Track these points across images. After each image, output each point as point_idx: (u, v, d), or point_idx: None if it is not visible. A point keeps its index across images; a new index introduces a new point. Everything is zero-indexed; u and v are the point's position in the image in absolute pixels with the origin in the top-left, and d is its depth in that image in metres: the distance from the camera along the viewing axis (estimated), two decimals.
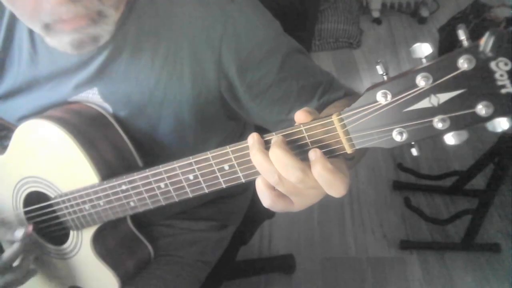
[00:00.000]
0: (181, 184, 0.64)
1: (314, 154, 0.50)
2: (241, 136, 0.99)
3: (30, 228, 0.83)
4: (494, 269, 1.74)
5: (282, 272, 1.77)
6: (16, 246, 0.79)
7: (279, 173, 0.50)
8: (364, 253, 1.83)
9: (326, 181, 0.49)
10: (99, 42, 0.71)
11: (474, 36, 0.41)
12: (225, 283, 1.21)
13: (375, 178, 2.12)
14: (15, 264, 0.80)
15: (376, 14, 3.14)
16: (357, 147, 0.50)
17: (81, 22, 0.66)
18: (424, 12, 3.08)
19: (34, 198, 0.84)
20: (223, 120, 0.86)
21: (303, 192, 0.53)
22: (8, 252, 0.78)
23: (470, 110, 0.42)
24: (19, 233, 0.79)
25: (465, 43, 0.42)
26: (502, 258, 1.76)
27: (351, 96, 0.81)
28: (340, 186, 0.49)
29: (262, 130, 0.56)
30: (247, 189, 1.16)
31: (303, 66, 0.80)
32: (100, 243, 0.84)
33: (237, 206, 1.14)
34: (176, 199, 0.67)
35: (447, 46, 2.51)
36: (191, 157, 0.61)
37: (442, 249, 1.81)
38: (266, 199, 0.54)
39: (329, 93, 0.80)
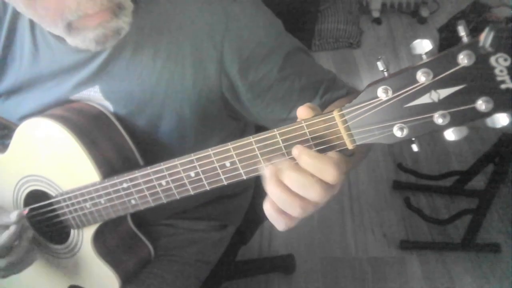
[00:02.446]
0: (183, 181, 0.64)
1: (296, 149, 0.51)
2: (242, 135, 0.99)
3: (25, 211, 0.83)
4: (494, 269, 1.73)
5: (282, 272, 1.77)
6: (12, 228, 0.78)
7: (301, 205, 0.51)
8: (364, 253, 1.83)
9: (316, 167, 0.50)
10: (120, 35, 0.71)
11: (474, 36, 0.42)
12: (225, 283, 1.21)
13: (375, 178, 2.12)
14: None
15: (376, 14, 3.15)
16: (358, 143, 0.51)
17: (105, 16, 0.67)
18: (424, 12, 3.08)
19: (35, 197, 0.85)
20: (224, 119, 0.87)
21: (320, 205, 0.53)
22: (5, 234, 0.77)
23: (470, 106, 0.42)
24: (14, 215, 0.79)
25: (465, 39, 0.42)
26: (502, 258, 1.76)
27: (353, 94, 0.81)
28: (330, 168, 0.49)
29: (263, 130, 0.56)
30: (248, 189, 1.16)
31: (305, 65, 0.80)
32: (101, 242, 0.84)
33: (237, 206, 1.14)
34: (178, 197, 0.67)
35: (447, 46, 2.50)
36: (192, 154, 0.61)
37: (442, 249, 1.81)
38: (281, 225, 0.55)
39: (331, 92, 0.80)
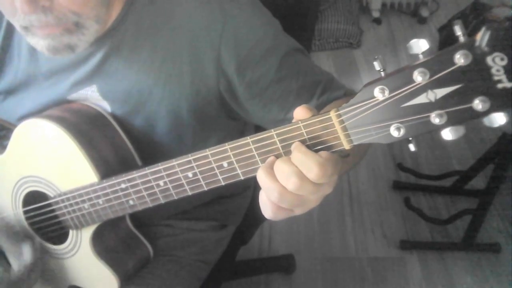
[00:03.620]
0: (180, 182, 0.64)
1: (294, 144, 0.53)
2: (241, 135, 0.99)
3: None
4: (494, 269, 1.73)
5: (282, 272, 1.77)
6: (28, 263, 0.79)
7: (279, 190, 0.52)
8: (364, 253, 1.83)
9: (302, 162, 0.50)
10: (74, 51, 0.72)
11: (471, 35, 0.42)
12: (225, 283, 1.21)
13: (375, 178, 2.12)
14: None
15: (376, 14, 3.15)
16: (355, 143, 0.51)
17: (54, 31, 0.68)
18: (424, 12, 3.08)
19: (33, 198, 0.85)
20: (222, 119, 0.87)
21: (305, 200, 0.54)
22: (21, 269, 0.79)
23: (467, 105, 0.42)
24: (28, 254, 0.80)
25: (462, 38, 0.42)
26: (502, 258, 1.76)
27: (351, 96, 0.81)
28: (314, 166, 0.50)
29: (261, 130, 0.57)
30: (247, 189, 1.16)
31: (302, 65, 0.80)
32: (100, 242, 0.84)
33: (237, 206, 1.14)
34: (175, 197, 0.67)
35: (447, 46, 2.50)
36: (190, 155, 0.61)
37: (442, 249, 1.81)
38: (267, 211, 0.56)
39: (329, 93, 0.80)
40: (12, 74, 0.84)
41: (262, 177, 0.53)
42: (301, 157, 0.51)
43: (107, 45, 0.76)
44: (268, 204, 0.55)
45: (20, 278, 0.78)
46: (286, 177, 0.51)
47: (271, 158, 0.55)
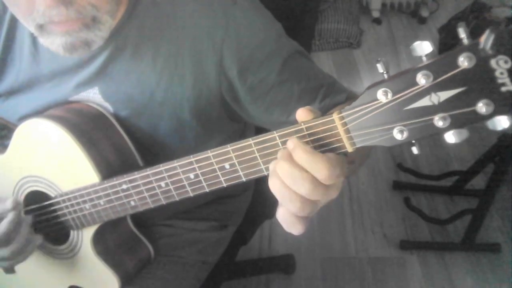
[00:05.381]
0: (182, 183, 0.64)
1: (291, 142, 0.50)
2: (242, 137, 0.98)
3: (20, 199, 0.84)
4: (494, 269, 1.73)
5: (282, 272, 1.77)
6: (10, 215, 0.77)
7: (300, 199, 0.50)
8: (364, 253, 1.83)
9: (309, 163, 0.49)
10: (91, 47, 0.71)
11: (474, 36, 0.42)
12: (225, 283, 1.21)
13: (375, 178, 2.12)
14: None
15: (376, 14, 3.15)
16: (358, 146, 0.50)
17: (73, 26, 0.67)
18: (424, 12, 3.08)
19: (34, 198, 0.84)
20: (224, 121, 0.87)
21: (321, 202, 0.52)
22: (4, 222, 0.76)
23: (471, 108, 0.42)
24: (9, 202, 0.77)
25: (465, 41, 0.42)
26: (502, 258, 1.76)
27: (353, 99, 0.81)
28: (323, 167, 0.48)
29: (263, 131, 0.57)
30: (247, 190, 1.16)
31: (305, 69, 0.80)
32: (100, 243, 0.83)
33: (237, 206, 1.14)
34: (177, 198, 0.67)
35: (447, 46, 2.51)
36: (191, 156, 0.61)
37: (442, 249, 1.81)
38: (299, 228, 0.52)
39: (331, 96, 0.80)
40: (13, 76, 0.84)
41: (278, 187, 0.51)
42: (308, 157, 0.49)
43: (110, 47, 0.76)
44: (296, 219, 0.52)
45: (6, 234, 0.76)
46: (297, 183, 0.49)
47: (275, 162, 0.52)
